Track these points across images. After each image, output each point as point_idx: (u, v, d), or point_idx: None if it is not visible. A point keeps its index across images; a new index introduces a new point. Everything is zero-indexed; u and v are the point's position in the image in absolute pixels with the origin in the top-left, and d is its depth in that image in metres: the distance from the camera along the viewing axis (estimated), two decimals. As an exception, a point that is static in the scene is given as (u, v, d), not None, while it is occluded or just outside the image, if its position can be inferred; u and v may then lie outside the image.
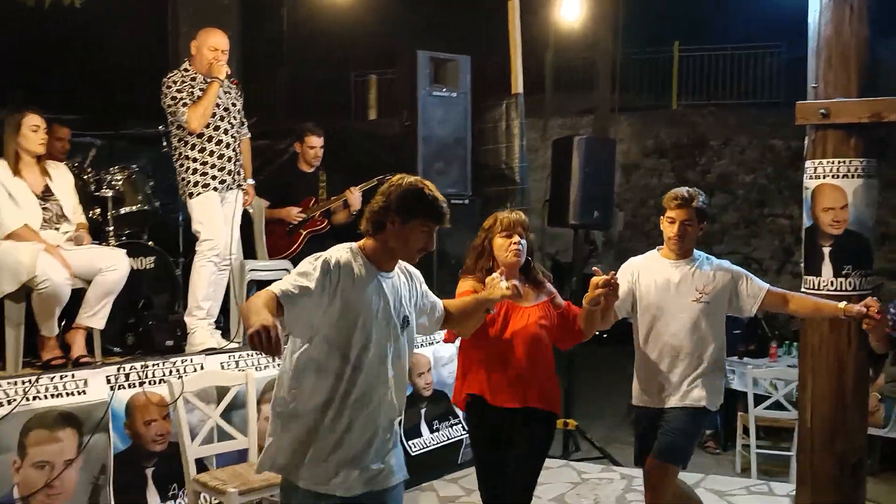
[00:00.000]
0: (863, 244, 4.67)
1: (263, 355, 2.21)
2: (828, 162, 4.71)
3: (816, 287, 4.78)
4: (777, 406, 5.94)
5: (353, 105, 7.92)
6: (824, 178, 4.71)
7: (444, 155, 5.84)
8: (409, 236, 2.63)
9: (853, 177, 4.62)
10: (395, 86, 5.97)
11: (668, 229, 3.72)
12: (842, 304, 3.66)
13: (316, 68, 7.53)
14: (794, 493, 5.02)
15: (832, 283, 4.72)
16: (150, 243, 4.83)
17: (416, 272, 2.87)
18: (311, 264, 2.53)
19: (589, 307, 3.33)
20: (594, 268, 3.39)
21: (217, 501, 4.01)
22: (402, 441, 2.82)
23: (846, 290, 4.69)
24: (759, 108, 12.67)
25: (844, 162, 4.61)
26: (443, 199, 2.68)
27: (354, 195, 5.44)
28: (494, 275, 3.06)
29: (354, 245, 2.68)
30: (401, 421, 2.77)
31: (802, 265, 4.93)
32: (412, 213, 2.62)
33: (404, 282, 2.78)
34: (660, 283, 3.70)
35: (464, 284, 3.43)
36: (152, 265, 4.74)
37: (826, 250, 4.72)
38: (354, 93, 7.88)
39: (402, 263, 2.78)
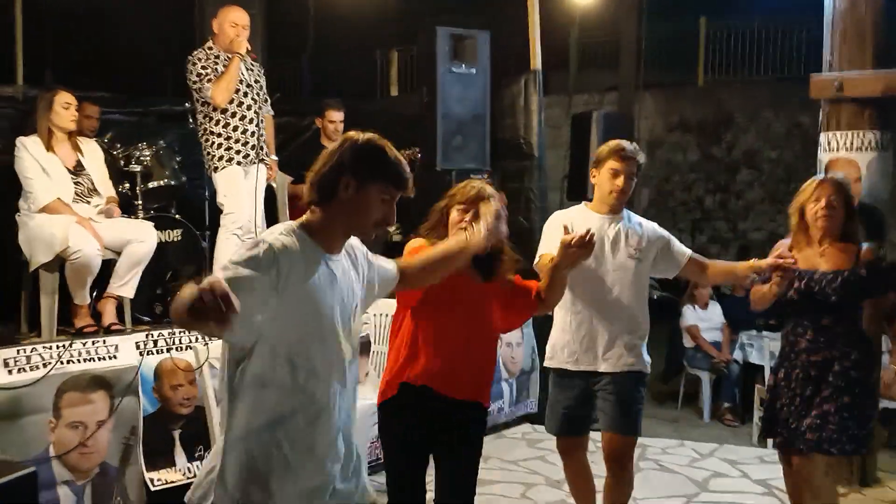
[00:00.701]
0: (876, 216, 4.74)
1: (212, 327, 1.73)
2: (841, 135, 4.77)
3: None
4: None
5: (376, 81, 8.02)
6: (838, 150, 4.77)
7: (463, 130, 5.92)
8: (366, 205, 2.16)
9: (866, 149, 4.68)
10: (416, 62, 6.05)
11: (611, 182, 3.47)
12: (751, 262, 3.50)
13: (338, 45, 7.64)
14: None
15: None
16: (176, 216, 4.99)
17: (357, 243, 2.36)
18: (251, 251, 2.03)
19: (564, 272, 3.05)
20: (564, 224, 3.17)
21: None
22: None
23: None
24: (788, 83, 12.57)
25: (858, 135, 4.67)
26: (406, 163, 2.24)
27: None
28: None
29: (293, 224, 2.19)
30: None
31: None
32: (371, 175, 2.15)
33: (350, 262, 2.30)
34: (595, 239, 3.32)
35: (415, 241, 3.00)
36: (179, 237, 4.90)
37: (840, 222, 4.75)
38: (377, 69, 7.97)
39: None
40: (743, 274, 3.55)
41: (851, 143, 4.67)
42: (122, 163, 4.94)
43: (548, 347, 3.65)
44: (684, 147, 13.14)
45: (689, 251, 3.65)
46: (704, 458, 5.40)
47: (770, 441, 6.00)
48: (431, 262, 2.64)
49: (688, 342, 7.07)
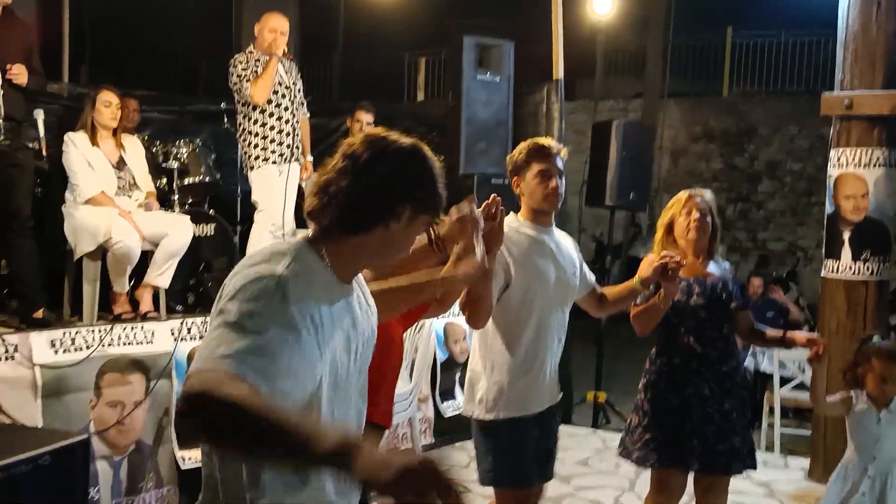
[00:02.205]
0: (882, 231, 4.90)
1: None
2: (850, 151, 4.93)
3: (836, 271, 5.02)
4: (803, 387, 6.12)
5: (404, 87, 8.25)
6: (847, 166, 4.94)
7: (487, 136, 6.14)
8: (410, 236, 1.72)
9: (875, 166, 4.83)
10: (443, 69, 6.27)
11: (543, 185, 2.93)
12: (634, 278, 3.17)
13: (369, 50, 7.88)
14: (807, 467, 5.28)
15: (850, 267, 4.96)
16: (210, 212, 5.24)
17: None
18: (254, 296, 1.53)
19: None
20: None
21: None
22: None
23: (864, 275, 4.93)
24: (812, 96, 12.64)
25: (867, 152, 4.83)
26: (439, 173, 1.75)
27: None
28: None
29: (306, 246, 1.66)
30: None
31: (824, 251, 5.16)
32: (427, 201, 1.69)
33: (361, 291, 1.82)
34: (540, 255, 2.99)
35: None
36: (213, 232, 5.15)
37: (846, 236, 4.96)
38: (406, 74, 8.20)
39: None
40: (637, 291, 3.19)
41: (860, 160, 4.83)
42: (160, 159, 5.21)
43: (494, 390, 2.99)
44: (707, 156, 13.27)
45: (593, 277, 3.31)
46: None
47: (777, 448, 6.25)
48: (401, 294, 2.08)
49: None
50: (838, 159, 4.95)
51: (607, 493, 4.86)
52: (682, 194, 3.45)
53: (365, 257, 1.71)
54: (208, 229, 5.14)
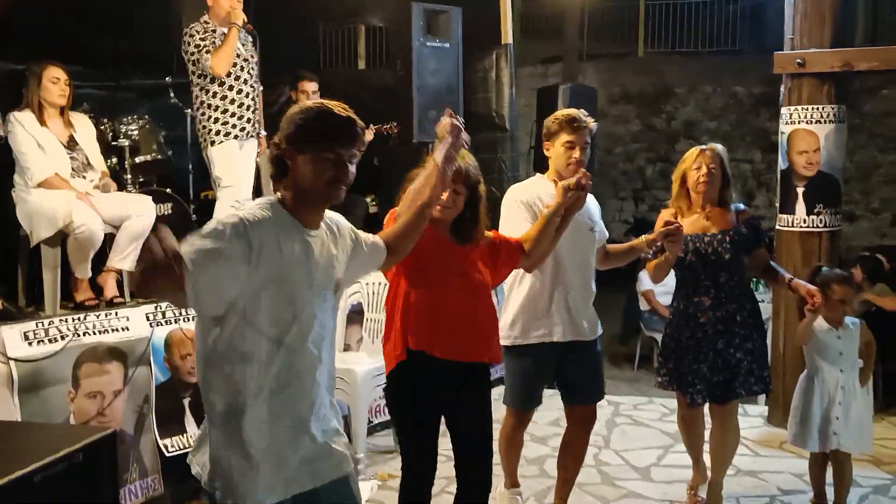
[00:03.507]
0: (833, 184, 5.11)
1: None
2: (802, 108, 5.10)
3: (791, 224, 5.22)
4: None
5: (343, 55, 8.06)
6: (799, 123, 5.11)
7: (438, 104, 6.06)
8: (312, 170, 2.14)
9: (825, 122, 5.02)
10: (389, 37, 6.18)
11: (566, 155, 3.39)
12: (642, 238, 3.58)
13: (306, 19, 7.65)
14: (766, 413, 5.52)
15: (805, 220, 5.16)
16: (167, 190, 5.04)
17: (342, 220, 2.40)
18: (222, 224, 2.05)
19: (557, 218, 3.10)
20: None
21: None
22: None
23: (818, 227, 5.15)
24: (723, 56, 13.05)
25: (818, 108, 5.01)
26: (347, 115, 2.18)
27: (368, 134, 5.70)
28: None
29: (273, 198, 2.21)
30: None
31: (778, 205, 5.35)
32: (306, 140, 2.14)
33: (332, 238, 2.30)
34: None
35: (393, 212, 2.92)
36: (170, 211, 4.96)
37: (800, 190, 5.15)
38: (344, 42, 8.02)
39: (327, 217, 2.30)
40: (639, 249, 3.59)
41: (811, 117, 5.02)
42: (109, 137, 4.96)
43: (523, 320, 3.50)
44: (626, 118, 13.53)
45: (606, 234, 3.75)
46: (673, 413, 5.74)
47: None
48: (407, 220, 2.61)
49: (643, 305, 7.42)
50: (790, 116, 5.12)
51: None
52: (693, 150, 3.82)
53: (300, 197, 2.18)
54: (165, 209, 4.94)
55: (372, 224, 5.33)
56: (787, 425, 5.23)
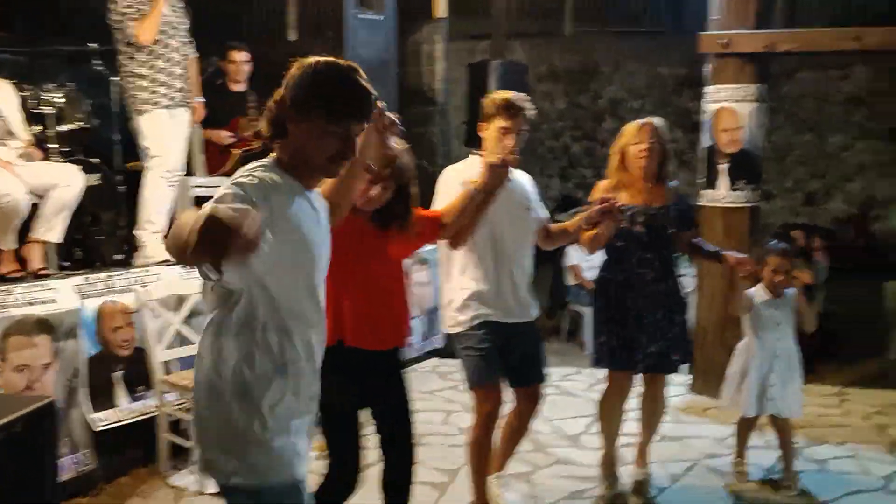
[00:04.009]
0: (755, 161, 5.31)
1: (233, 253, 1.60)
2: (726, 88, 5.26)
3: (714, 200, 5.40)
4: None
5: (273, 25, 7.89)
6: (723, 102, 5.28)
7: (370, 77, 5.99)
8: (316, 142, 1.95)
9: (748, 101, 5.20)
10: (320, 7, 6.11)
11: (501, 140, 3.31)
12: (578, 217, 3.54)
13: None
14: (690, 381, 5.73)
15: (727, 196, 5.35)
16: (94, 160, 4.91)
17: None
18: (241, 186, 1.86)
19: (481, 195, 3.06)
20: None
21: (180, 402, 4.29)
22: None
23: (739, 202, 5.33)
24: (648, 36, 13.30)
25: (741, 88, 5.18)
26: (366, 87, 2.00)
27: None
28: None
29: (268, 160, 2.01)
30: None
31: (703, 180, 5.53)
32: (315, 107, 1.92)
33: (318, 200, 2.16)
34: (502, 198, 3.28)
35: None
36: (98, 181, 4.83)
37: (723, 167, 5.33)
38: (274, 12, 7.84)
39: None
40: (575, 229, 3.55)
41: (735, 96, 5.19)
42: (32, 104, 4.79)
43: (470, 305, 3.45)
44: (553, 96, 13.69)
45: (546, 214, 3.70)
46: (600, 383, 5.90)
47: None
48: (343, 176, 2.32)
49: (570, 280, 7.60)
50: (715, 95, 5.29)
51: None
52: (633, 124, 3.74)
53: (298, 161, 1.99)
54: (93, 179, 4.81)
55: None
56: (709, 393, 5.47)
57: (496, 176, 3.04)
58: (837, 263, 8.92)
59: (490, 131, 3.37)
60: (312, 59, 1.98)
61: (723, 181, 5.29)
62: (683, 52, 12.35)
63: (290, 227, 1.95)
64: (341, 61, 2.00)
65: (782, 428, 4.11)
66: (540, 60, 13.68)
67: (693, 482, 4.23)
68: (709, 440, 4.79)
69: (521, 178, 3.56)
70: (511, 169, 3.31)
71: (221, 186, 1.90)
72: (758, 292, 4.02)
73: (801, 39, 5.09)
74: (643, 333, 3.73)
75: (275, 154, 2.02)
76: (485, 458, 3.52)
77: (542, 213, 3.66)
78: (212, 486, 3.92)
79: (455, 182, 3.34)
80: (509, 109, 3.31)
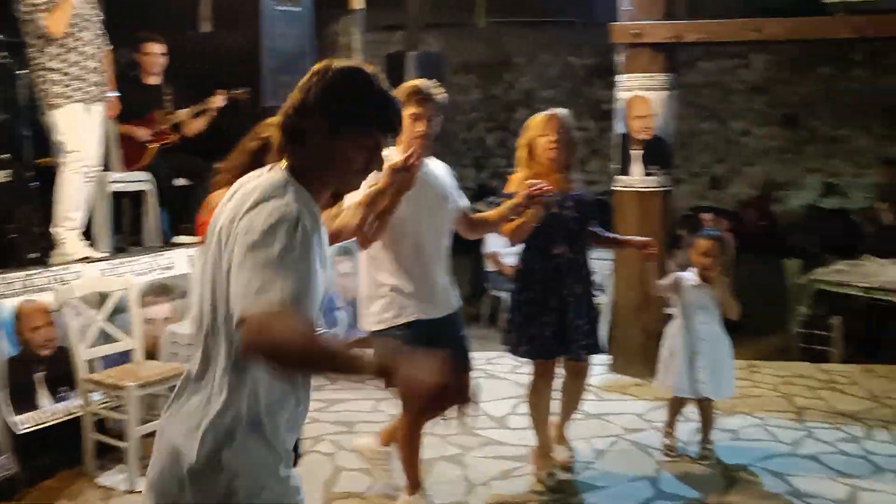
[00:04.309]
0: (666, 147, 5.52)
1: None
2: (638, 76, 5.45)
3: (628, 185, 5.60)
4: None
5: (185, 17, 7.73)
6: (635, 90, 5.46)
7: (289, 69, 6.01)
8: (346, 154, 1.79)
9: (659, 89, 5.40)
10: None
11: (412, 127, 3.24)
12: (502, 207, 3.54)
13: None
14: (609, 362, 5.93)
15: (641, 181, 5.55)
16: (6, 156, 4.74)
17: None
18: (283, 233, 1.64)
19: (385, 197, 2.99)
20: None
21: (105, 401, 4.22)
22: None
23: (653, 187, 5.54)
24: (559, 27, 13.56)
25: (652, 76, 5.38)
26: (396, 98, 1.89)
27: (220, 100, 5.60)
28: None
29: (289, 177, 1.77)
30: None
31: (618, 167, 5.72)
32: (352, 121, 1.77)
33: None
34: (418, 189, 3.21)
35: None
36: (9, 178, 4.67)
37: (636, 153, 5.53)
38: (186, 4, 7.68)
39: None
40: (498, 218, 3.55)
41: (646, 84, 5.38)
42: (-65, 99, 4.60)
43: (393, 302, 3.36)
44: (467, 87, 13.82)
45: (467, 203, 3.63)
46: (523, 366, 6.05)
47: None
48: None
49: (489, 267, 7.73)
50: (627, 84, 5.47)
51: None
52: (540, 115, 3.78)
53: (315, 174, 1.80)
54: (3, 175, 4.64)
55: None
56: (628, 372, 5.68)
57: (400, 179, 2.97)
58: (741, 244, 9.33)
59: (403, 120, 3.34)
60: (338, 63, 1.82)
61: (636, 167, 5.49)
62: (594, 43, 12.68)
63: (310, 254, 1.70)
64: (369, 68, 1.85)
65: (705, 406, 4.30)
66: (454, 52, 13.80)
67: (617, 456, 4.41)
68: (630, 416, 4.98)
69: (437, 168, 3.51)
70: (426, 160, 3.32)
71: (247, 218, 1.67)
72: (687, 276, 4.16)
73: (707, 30, 5.32)
74: (578, 318, 3.81)
75: (284, 163, 1.80)
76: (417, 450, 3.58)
77: (462, 201, 3.59)
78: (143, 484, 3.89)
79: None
80: (418, 95, 3.28)
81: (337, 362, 1.59)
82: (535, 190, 3.37)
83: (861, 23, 5.17)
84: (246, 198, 1.73)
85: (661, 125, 5.42)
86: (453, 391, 1.57)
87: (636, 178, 5.49)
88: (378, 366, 1.57)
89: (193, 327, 1.89)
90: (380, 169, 1.90)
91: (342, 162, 1.80)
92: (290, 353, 1.56)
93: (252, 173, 1.86)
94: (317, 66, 1.83)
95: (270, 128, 2.74)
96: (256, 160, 2.67)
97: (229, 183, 2.56)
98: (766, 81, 12.65)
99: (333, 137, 1.76)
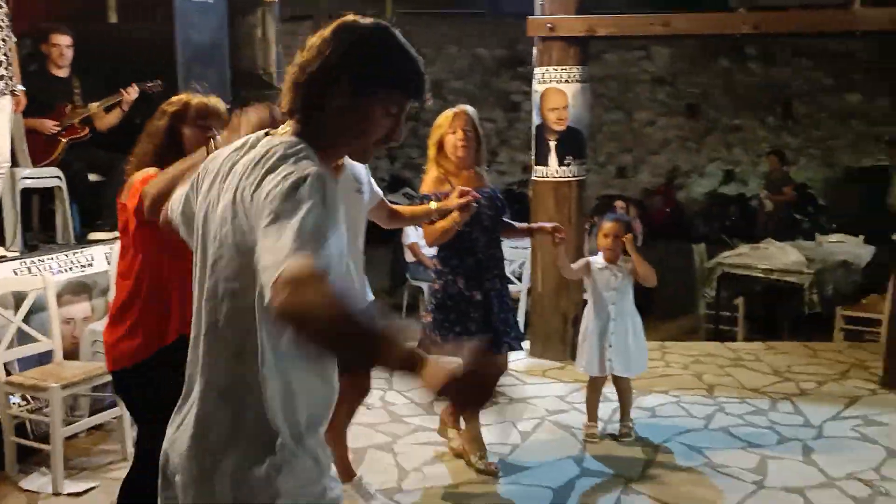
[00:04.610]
0: (580, 138, 5.70)
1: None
2: (552, 69, 5.61)
3: (545, 175, 5.75)
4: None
5: (91, 7, 7.48)
6: (550, 83, 5.62)
7: (203, 60, 5.94)
8: (369, 121, 1.65)
9: (573, 82, 5.56)
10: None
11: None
12: (428, 206, 3.55)
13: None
14: (528, 346, 6.10)
15: (557, 171, 5.72)
16: None
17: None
18: (307, 193, 1.48)
19: None
20: None
21: (25, 404, 4.12)
22: None
23: (568, 177, 5.71)
24: (467, 18, 13.70)
25: (566, 69, 5.54)
26: (421, 60, 1.70)
27: (132, 93, 5.48)
28: None
29: (294, 140, 1.62)
30: None
31: (533, 157, 5.87)
32: (381, 83, 1.64)
33: None
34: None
35: (146, 172, 2.64)
36: (-88, 175, 4.49)
37: (552, 144, 5.69)
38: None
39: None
40: (414, 217, 3.59)
41: (560, 77, 5.54)
42: None
43: None
44: (377, 77, 13.83)
45: (381, 192, 3.53)
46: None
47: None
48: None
49: (409, 257, 7.81)
50: (542, 76, 5.62)
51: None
52: (448, 112, 3.84)
53: (329, 141, 1.66)
54: None
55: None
56: (547, 356, 5.85)
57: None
58: (649, 231, 9.69)
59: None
60: (363, 21, 1.66)
61: (552, 157, 5.64)
62: (501, 35, 12.91)
63: (340, 232, 1.58)
64: (391, 26, 1.68)
65: (621, 385, 4.49)
66: (363, 42, 13.81)
67: (542, 437, 4.56)
68: (551, 398, 5.15)
69: (349, 160, 3.47)
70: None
71: (269, 186, 1.51)
72: (596, 259, 4.35)
73: (617, 24, 5.51)
74: (502, 312, 3.90)
75: (295, 127, 1.66)
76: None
77: (377, 190, 3.48)
78: (71, 486, 3.82)
79: None
80: None
81: (372, 340, 1.38)
82: (465, 200, 3.39)
83: (759, 19, 5.46)
84: (253, 168, 1.57)
85: (575, 116, 5.59)
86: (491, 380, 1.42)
87: (552, 169, 5.64)
88: (404, 360, 1.39)
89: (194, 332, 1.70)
90: (398, 140, 1.73)
91: (365, 127, 1.66)
92: (323, 320, 1.35)
93: (234, 145, 1.70)
94: (335, 24, 1.66)
95: (173, 104, 2.80)
96: (171, 137, 2.74)
97: (142, 167, 2.64)
98: (668, 73, 13.12)
99: (356, 101, 1.62)
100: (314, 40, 1.66)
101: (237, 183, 1.59)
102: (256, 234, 1.48)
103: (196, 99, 2.78)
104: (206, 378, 1.65)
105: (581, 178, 5.74)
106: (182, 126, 2.76)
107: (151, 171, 2.68)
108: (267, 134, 1.69)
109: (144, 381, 2.69)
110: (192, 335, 1.69)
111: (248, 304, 1.56)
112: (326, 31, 1.65)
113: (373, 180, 3.50)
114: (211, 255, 1.63)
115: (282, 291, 1.36)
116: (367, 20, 1.66)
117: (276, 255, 1.40)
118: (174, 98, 2.79)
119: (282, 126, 1.71)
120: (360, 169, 3.40)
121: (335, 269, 1.47)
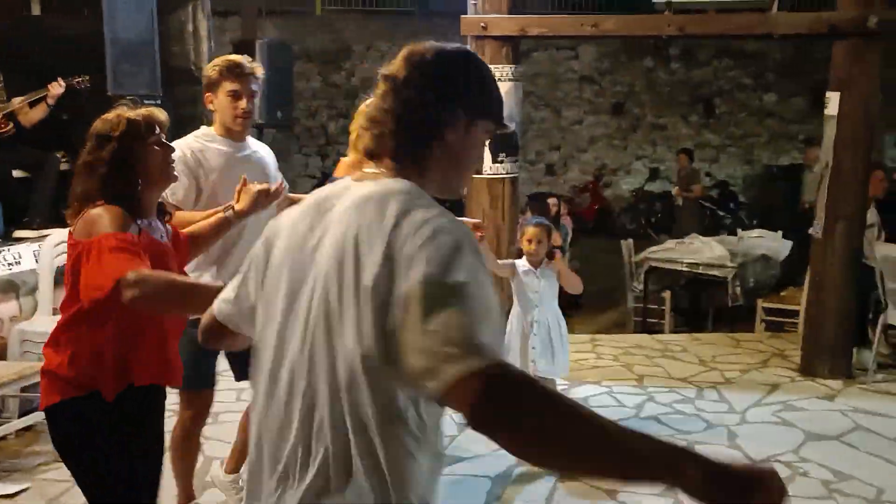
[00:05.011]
0: (513, 136, 5.79)
1: None
2: (485, 68, 5.67)
3: (479, 172, 5.84)
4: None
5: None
6: (483, 81, 5.68)
7: (132, 57, 5.85)
8: (474, 149, 1.54)
9: (506, 80, 5.66)
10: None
11: (233, 105, 3.08)
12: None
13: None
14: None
15: (491, 168, 5.81)
16: None
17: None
18: (463, 257, 1.25)
19: (236, 219, 2.75)
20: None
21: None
22: None
23: (501, 173, 5.81)
24: (396, 16, 13.73)
25: (499, 68, 5.62)
26: None
27: (58, 87, 5.36)
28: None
29: (416, 192, 1.40)
30: None
31: (467, 154, 5.93)
32: (482, 107, 1.53)
33: None
34: (238, 168, 3.05)
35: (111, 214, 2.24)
36: None
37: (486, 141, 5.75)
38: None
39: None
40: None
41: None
42: None
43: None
44: (307, 75, 13.75)
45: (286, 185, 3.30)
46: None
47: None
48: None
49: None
50: (476, 75, 5.70)
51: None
52: (370, 100, 3.79)
53: (434, 183, 1.49)
54: None
55: (65, 182, 5.04)
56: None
57: (259, 204, 2.77)
58: (578, 227, 9.92)
59: (219, 99, 3.11)
60: (445, 47, 1.53)
61: (486, 155, 5.73)
62: (433, 33, 12.93)
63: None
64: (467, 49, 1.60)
65: (548, 384, 4.58)
66: (293, 39, 13.66)
67: (465, 440, 4.63)
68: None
69: (260, 149, 3.33)
70: (248, 139, 3.23)
71: (412, 241, 1.28)
72: (521, 262, 4.37)
73: (548, 24, 5.63)
74: None
75: (380, 169, 1.48)
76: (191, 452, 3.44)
77: (284, 184, 3.20)
78: (2, 488, 3.74)
79: (181, 163, 2.91)
80: (235, 70, 3.06)
81: (639, 455, 1.17)
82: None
83: (683, 21, 5.65)
84: (362, 225, 1.33)
85: (508, 114, 5.68)
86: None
87: (486, 166, 5.73)
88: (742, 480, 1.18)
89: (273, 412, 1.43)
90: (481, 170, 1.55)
91: (472, 157, 1.54)
92: (563, 437, 1.12)
93: (310, 199, 1.50)
94: (420, 55, 1.50)
95: (114, 127, 2.32)
96: (123, 162, 2.31)
97: (88, 204, 2.27)
98: (595, 72, 13.41)
99: (469, 131, 1.49)
100: (396, 71, 1.51)
101: (338, 243, 1.35)
102: (399, 304, 1.24)
103: (130, 113, 2.36)
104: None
105: (514, 175, 5.84)
106: (138, 147, 2.35)
107: (116, 214, 2.24)
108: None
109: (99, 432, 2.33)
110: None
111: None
112: (412, 61, 1.50)
113: (279, 173, 3.38)
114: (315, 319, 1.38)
115: (481, 399, 1.13)
116: (452, 46, 1.54)
117: (444, 340, 1.17)
118: (106, 119, 2.36)
119: (366, 167, 1.51)
120: (269, 158, 3.35)
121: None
